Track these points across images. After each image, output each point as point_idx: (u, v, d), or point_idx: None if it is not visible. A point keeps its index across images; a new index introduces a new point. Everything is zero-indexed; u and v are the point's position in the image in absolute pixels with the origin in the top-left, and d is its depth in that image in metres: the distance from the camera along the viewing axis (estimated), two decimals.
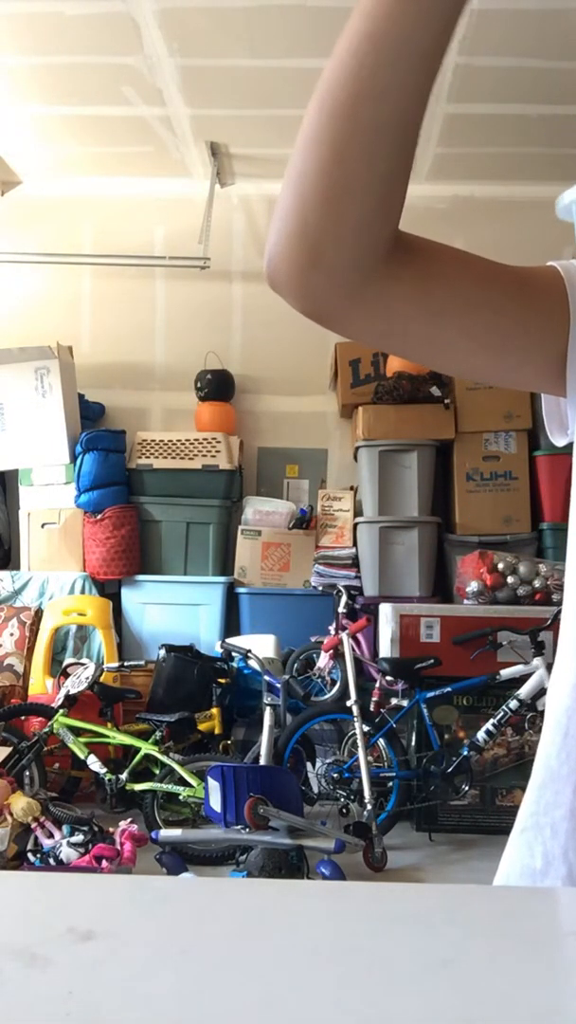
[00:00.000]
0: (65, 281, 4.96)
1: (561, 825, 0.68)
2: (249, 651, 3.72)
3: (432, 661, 3.64)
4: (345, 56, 0.59)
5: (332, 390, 4.85)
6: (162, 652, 4.13)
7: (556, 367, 0.70)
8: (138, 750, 3.63)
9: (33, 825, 3.12)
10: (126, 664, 3.98)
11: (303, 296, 0.67)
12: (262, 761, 3.43)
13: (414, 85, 0.59)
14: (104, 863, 2.95)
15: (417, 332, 0.71)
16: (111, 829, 3.13)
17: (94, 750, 3.62)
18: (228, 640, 3.99)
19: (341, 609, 4.00)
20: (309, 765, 3.78)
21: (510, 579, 4.05)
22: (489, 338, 0.70)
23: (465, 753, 3.56)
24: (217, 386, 4.73)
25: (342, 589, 4.07)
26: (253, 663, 3.72)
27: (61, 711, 3.63)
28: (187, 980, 0.40)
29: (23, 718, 3.86)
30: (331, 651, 3.95)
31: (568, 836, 0.68)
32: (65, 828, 3.16)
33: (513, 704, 3.49)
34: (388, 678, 3.78)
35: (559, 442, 0.76)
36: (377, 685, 3.85)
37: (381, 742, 3.68)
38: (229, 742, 3.97)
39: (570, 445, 0.74)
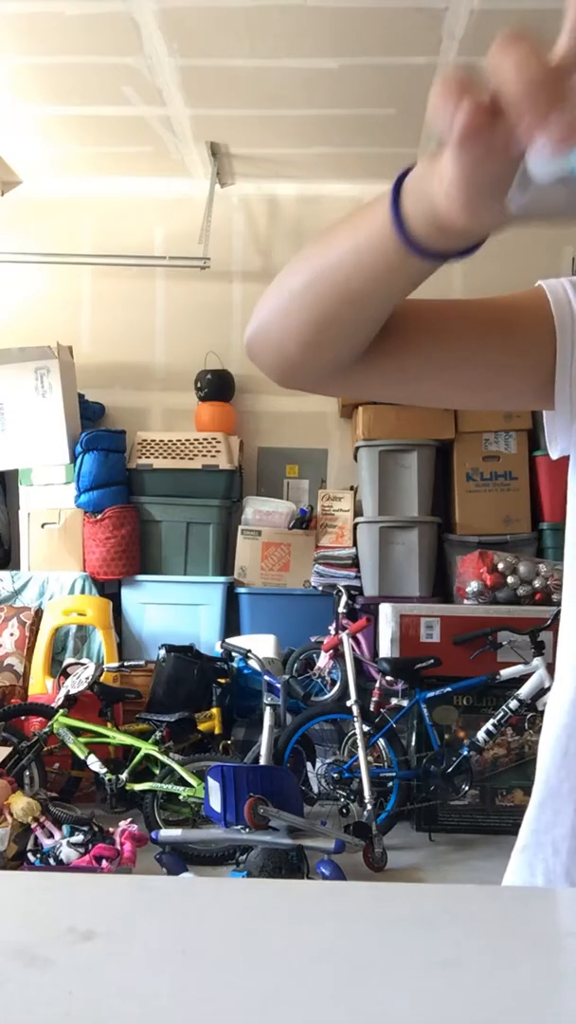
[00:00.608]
0: (65, 281, 4.96)
1: (563, 844, 0.68)
2: (249, 651, 3.72)
3: (432, 661, 3.64)
4: (332, 262, 0.62)
5: None
6: (162, 652, 4.13)
7: (543, 391, 0.71)
8: (138, 750, 3.62)
9: (33, 825, 3.12)
10: (126, 664, 3.98)
11: (276, 380, 0.71)
12: (262, 761, 3.43)
13: (399, 293, 0.62)
14: (104, 863, 2.95)
15: (398, 395, 0.76)
16: (111, 829, 3.13)
17: (94, 750, 3.62)
18: (228, 640, 3.99)
19: (341, 609, 4.00)
20: (309, 765, 3.78)
21: (510, 579, 4.05)
22: (471, 384, 0.73)
23: (465, 753, 3.56)
24: (217, 386, 4.73)
25: (342, 589, 4.07)
26: (253, 663, 3.72)
27: (61, 711, 3.63)
28: (187, 980, 0.40)
29: (23, 718, 3.86)
30: (331, 651, 3.95)
31: (570, 855, 0.67)
32: (65, 828, 3.15)
33: (513, 704, 3.49)
34: (388, 678, 3.78)
35: (554, 455, 0.76)
36: (377, 685, 3.85)
37: (381, 742, 3.68)
38: (229, 742, 3.97)
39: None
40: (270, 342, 0.68)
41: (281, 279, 0.67)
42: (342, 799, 3.61)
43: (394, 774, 3.62)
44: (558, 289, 0.71)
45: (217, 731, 3.93)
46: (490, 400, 0.77)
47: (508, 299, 0.73)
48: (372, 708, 3.75)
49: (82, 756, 3.59)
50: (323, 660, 4.02)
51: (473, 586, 4.06)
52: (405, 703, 3.74)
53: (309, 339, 0.65)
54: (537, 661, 3.51)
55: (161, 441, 4.59)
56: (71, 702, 3.67)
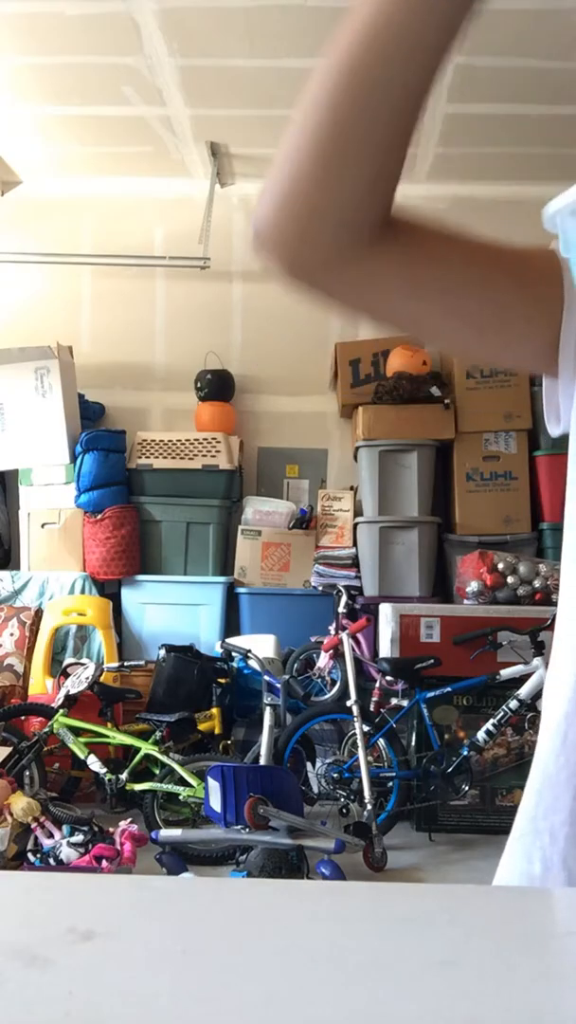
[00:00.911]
0: (65, 281, 4.96)
1: (560, 831, 0.68)
2: (249, 651, 3.72)
3: (432, 661, 3.64)
4: (351, 33, 0.59)
5: (332, 390, 4.85)
6: (162, 652, 4.13)
7: (549, 350, 0.70)
8: (138, 750, 3.63)
9: (33, 825, 3.12)
10: (126, 664, 3.98)
11: (286, 262, 0.67)
12: (262, 761, 3.43)
13: (421, 63, 0.59)
14: (104, 863, 2.95)
15: (404, 309, 0.71)
16: (111, 829, 3.13)
17: (94, 750, 3.62)
18: (228, 640, 3.99)
19: (341, 609, 4.00)
20: (309, 765, 3.78)
21: (510, 579, 4.05)
22: (478, 318, 0.70)
23: (465, 753, 3.56)
24: (217, 386, 4.73)
25: (342, 589, 4.07)
26: (253, 663, 3.72)
27: (61, 711, 3.63)
28: (187, 980, 0.40)
29: (23, 718, 3.86)
30: (331, 651, 3.95)
31: (568, 842, 0.67)
32: (65, 828, 3.15)
33: (513, 704, 3.49)
34: (388, 678, 3.78)
35: (554, 432, 0.75)
36: (377, 685, 3.85)
37: (381, 742, 3.68)
38: (229, 742, 3.97)
39: (567, 440, 0.73)
40: (280, 189, 0.65)
41: (288, 133, 0.64)
42: (342, 799, 3.61)
43: (394, 774, 3.62)
44: None
45: (217, 731, 3.93)
46: (492, 347, 0.73)
47: (520, 248, 0.71)
48: (372, 708, 3.75)
49: (82, 756, 3.59)
50: (323, 660, 4.02)
51: (473, 586, 4.06)
52: (405, 703, 3.74)
53: (325, 151, 0.61)
54: (537, 661, 3.51)
55: (161, 441, 4.59)
56: (71, 702, 3.67)
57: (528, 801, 0.72)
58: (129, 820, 3.15)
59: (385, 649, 3.91)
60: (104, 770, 3.56)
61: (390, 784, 3.63)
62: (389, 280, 0.68)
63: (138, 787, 3.53)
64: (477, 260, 0.70)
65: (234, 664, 4.13)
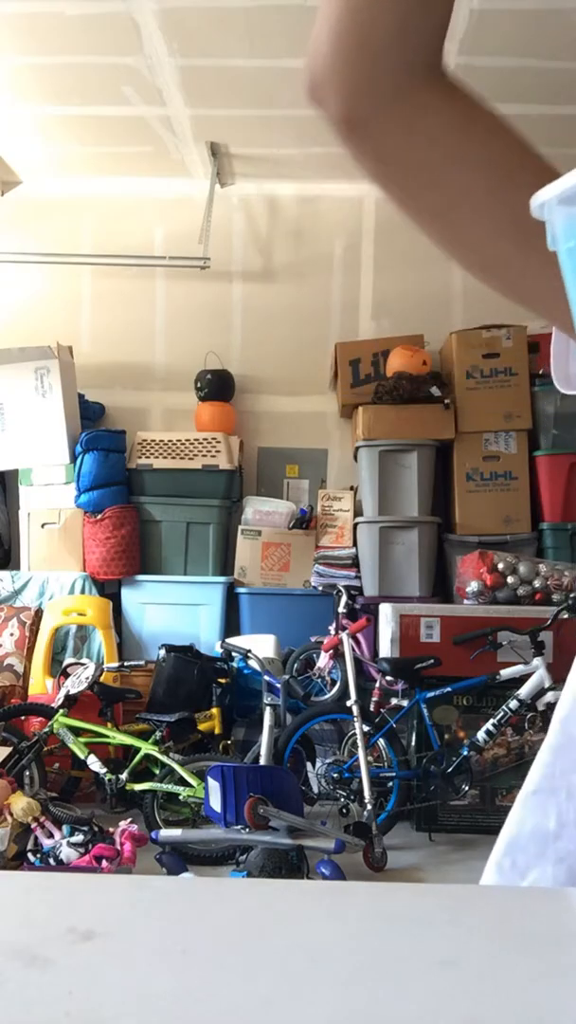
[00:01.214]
0: (65, 281, 4.96)
1: None
2: (249, 651, 3.72)
3: (432, 661, 3.64)
4: None
5: (332, 390, 4.85)
6: (162, 652, 4.13)
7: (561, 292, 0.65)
8: (138, 750, 3.63)
9: (33, 825, 3.12)
10: (126, 664, 3.98)
11: (343, 100, 0.65)
12: (262, 761, 3.43)
13: None
14: (104, 863, 2.95)
15: (435, 181, 0.66)
16: (111, 829, 3.13)
17: (94, 750, 3.62)
18: (228, 640, 3.99)
19: (341, 609, 4.00)
20: (309, 765, 3.78)
21: (510, 579, 4.05)
22: (511, 221, 0.65)
23: (465, 753, 3.56)
24: (217, 386, 4.74)
25: (342, 589, 4.07)
26: (253, 663, 3.72)
27: (61, 711, 3.63)
28: (187, 980, 0.40)
29: (23, 718, 3.86)
30: (331, 651, 3.95)
31: None
32: (65, 828, 3.15)
33: (513, 704, 3.49)
34: (388, 678, 3.78)
35: (564, 389, 0.73)
36: (377, 685, 3.85)
37: (381, 742, 3.68)
38: (229, 742, 3.97)
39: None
40: (336, 31, 0.65)
41: None
42: (342, 799, 3.61)
43: (394, 774, 3.62)
44: None
45: (217, 731, 3.93)
46: (519, 273, 0.67)
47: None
48: (372, 708, 3.75)
49: (82, 756, 3.59)
50: (323, 660, 4.02)
51: (473, 586, 4.06)
52: (405, 703, 3.74)
53: None
54: (537, 661, 3.51)
55: (161, 441, 4.59)
56: (71, 702, 3.67)
57: (544, 757, 0.72)
58: (129, 820, 3.15)
59: (385, 649, 3.91)
60: (104, 770, 3.56)
61: (390, 784, 3.63)
62: (441, 129, 0.65)
63: (138, 787, 3.53)
64: (525, 160, 0.65)
65: (234, 664, 4.13)
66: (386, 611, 3.95)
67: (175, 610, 4.46)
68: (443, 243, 0.70)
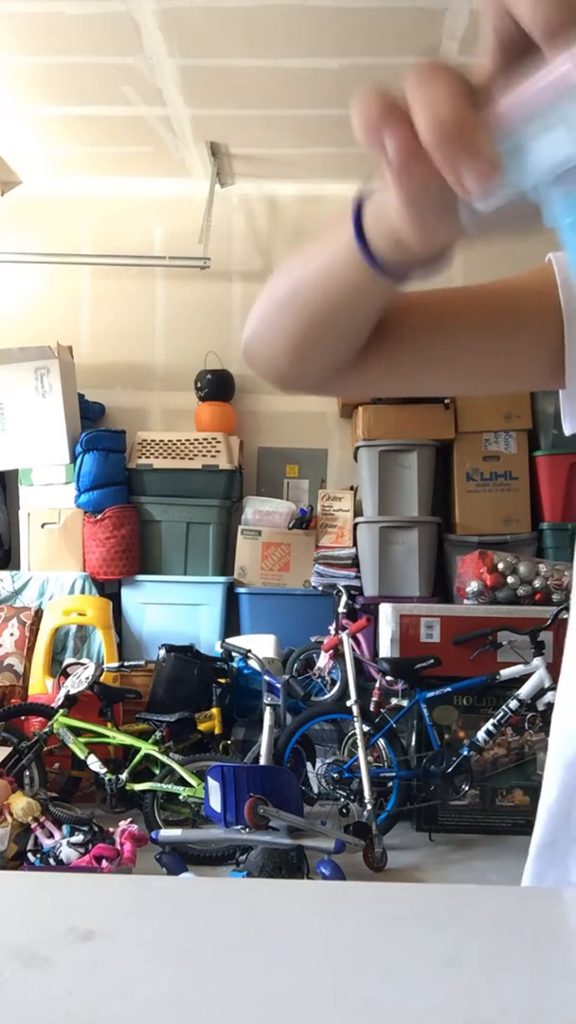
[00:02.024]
0: (65, 281, 4.96)
1: None
2: (249, 651, 3.72)
3: (432, 661, 3.64)
4: (307, 277, 0.63)
5: None
6: (162, 652, 4.13)
7: (552, 371, 0.70)
8: (138, 750, 3.63)
9: (33, 825, 3.12)
10: (126, 664, 3.98)
11: (278, 387, 0.74)
12: (262, 761, 3.43)
13: (373, 308, 0.63)
14: (104, 863, 2.95)
15: (398, 389, 0.76)
16: (111, 829, 3.13)
17: (94, 750, 3.62)
18: (228, 640, 3.99)
19: (341, 609, 4.00)
20: (309, 765, 3.78)
21: (510, 579, 4.05)
22: (475, 372, 0.73)
23: (465, 753, 3.56)
24: (217, 386, 4.73)
25: (342, 589, 4.07)
26: (253, 663, 3.72)
27: (61, 711, 3.63)
28: (187, 980, 0.40)
29: (23, 718, 3.86)
30: (331, 651, 3.95)
31: None
32: (65, 828, 3.15)
33: (513, 704, 3.49)
34: (388, 678, 3.78)
35: (568, 430, 0.75)
36: (377, 685, 3.85)
37: (381, 742, 3.68)
38: (229, 742, 3.97)
39: (569, 440, 0.74)
40: (262, 350, 0.69)
41: (267, 290, 0.68)
42: (342, 799, 3.61)
43: (394, 774, 3.62)
44: (564, 261, 0.70)
45: (217, 731, 3.93)
46: (495, 386, 0.77)
47: (513, 281, 0.72)
48: (372, 708, 3.75)
49: (82, 756, 3.59)
50: (323, 660, 4.02)
51: (473, 586, 4.06)
52: (405, 703, 3.74)
53: (295, 348, 0.66)
54: (537, 661, 3.51)
55: (161, 441, 4.59)
56: (71, 702, 3.67)
57: (558, 804, 0.71)
58: (129, 820, 3.15)
59: (385, 649, 3.91)
60: (104, 770, 3.56)
61: (390, 784, 3.63)
62: (379, 378, 0.72)
63: (138, 787, 3.53)
64: (472, 320, 0.71)
65: (234, 664, 4.13)
66: (386, 611, 3.95)
67: (175, 610, 4.46)
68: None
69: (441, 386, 0.77)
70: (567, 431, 0.75)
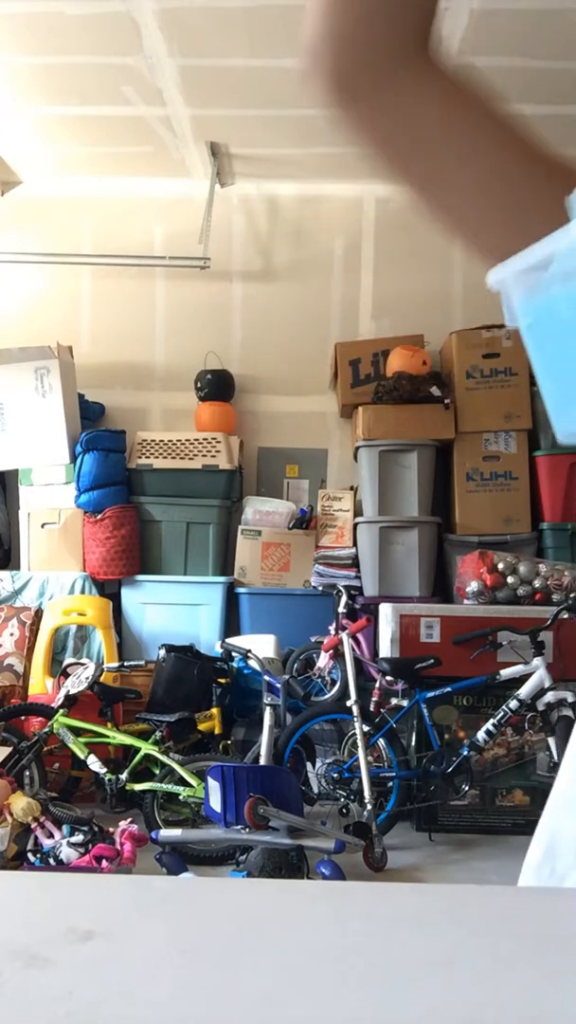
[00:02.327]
0: (65, 281, 4.96)
1: None
2: (249, 651, 3.72)
3: (432, 661, 3.64)
4: None
5: (332, 390, 4.85)
6: (162, 652, 4.13)
7: None
8: (138, 750, 3.63)
9: (33, 825, 3.12)
10: (126, 664, 3.98)
11: (336, 72, 0.66)
12: (262, 761, 3.43)
13: None
14: (104, 863, 2.95)
15: (428, 154, 0.67)
16: (111, 829, 3.13)
17: (94, 750, 3.62)
18: (228, 640, 3.99)
19: (341, 609, 4.00)
20: (309, 765, 3.78)
21: (510, 579, 4.05)
22: (501, 201, 0.64)
23: (465, 753, 3.56)
24: (217, 386, 4.73)
25: (342, 589, 4.07)
26: (253, 663, 3.72)
27: (61, 711, 3.63)
28: (187, 980, 0.40)
29: (23, 718, 3.86)
30: (331, 651, 3.95)
31: None
32: (65, 828, 3.15)
33: (513, 704, 3.49)
34: (388, 678, 3.78)
35: (561, 438, 0.72)
36: (377, 685, 3.85)
37: (381, 742, 3.68)
38: (229, 742, 3.97)
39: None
40: (326, 23, 0.65)
41: None
42: (342, 799, 3.61)
43: (394, 774, 3.62)
44: None
45: (217, 731, 3.93)
46: (509, 241, 0.64)
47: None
48: (372, 708, 3.75)
49: (82, 756, 3.59)
50: (323, 660, 4.02)
51: (473, 586, 4.06)
52: (405, 703, 3.74)
53: None
54: (537, 661, 3.51)
55: (161, 441, 4.59)
56: (71, 702, 3.67)
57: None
58: (129, 820, 3.15)
59: (385, 649, 3.91)
60: (104, 770, 3.56)
61: (390, 784, 3.63)
62: (427, 105, 0.66)
63: (138, 787, 3.53)
64: (515, 139, 0.65)
65: (234, 664, 4.13)
66: (386, 611, 3.95)
67: (175, 610, 4.46)
68: (430, 204, 0.70)
69: (468, 185, 0.67)
70: (560, 439, 0.71)
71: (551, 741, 3.45)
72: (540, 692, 3.47)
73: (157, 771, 3.59)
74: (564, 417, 0.63)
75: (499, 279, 0.56)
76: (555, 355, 0.61)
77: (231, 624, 4.46)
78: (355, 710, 3.48)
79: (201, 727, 3.90)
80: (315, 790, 3.74)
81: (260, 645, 3.87)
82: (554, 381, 0.63)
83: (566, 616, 3.62)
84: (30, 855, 3.08)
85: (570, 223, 0.55)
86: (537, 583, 4.05)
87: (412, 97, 0.66)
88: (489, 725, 3.53)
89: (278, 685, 3.60)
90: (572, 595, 3.93)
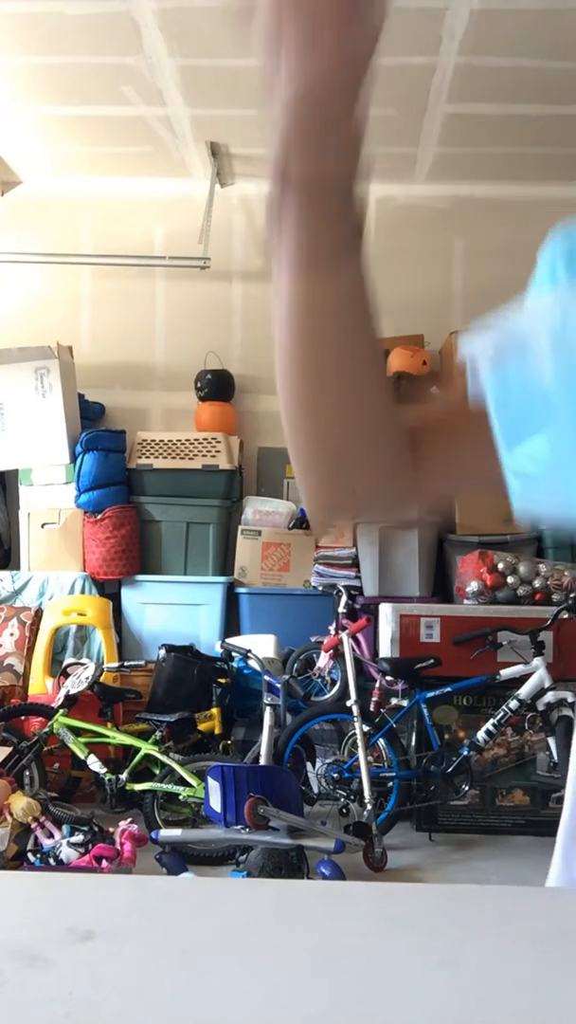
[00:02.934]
0: (65, 281, 4.96)
1: None
2: (249, 651, 3.72)
3: (432, 661, 3.64)
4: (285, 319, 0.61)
5: None
6: (162, 652, 4.13)
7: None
8: (138, 750, 3.63)
9: (33, 825, 3.12)
10: (126, 664, 3.98)
11: (357, 518, 0.73)
12: (262, 761, 3.43)
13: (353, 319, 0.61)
14: (104, 863, 2.95)
15: (474, 480, 0.72)
16: (111, 829, 3.13)
17: (94, 750, 3.62)
18: (228, 640, 3.99)
19: (341, 609, 4.00)
20: (309, 765, 3.78)
21: (510, 579, 4.05)
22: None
23: (465, 753, 3.56)
24: (217, 386, 4.73)
25: (342, 589, 4.07)
26: (253, 663, 3.72)
27: (61, 711, 3.63)
28: (187, 980, 0.41)
29: (23, 718, 3.86)
30: (331, 651, 3.95)
31: None
32: (65, 828, 3.15)
33: (513, 704, 3.49)
34: (388, 678, 3.78)
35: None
36: (377, 685, 3.85)
37: (381, 742, 3.68)
38: (229, 742, 3.97)
39: None
40: (315, 475, 0.66)
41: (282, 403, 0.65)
42: (342, 799, 3.61)
43: (394, 774, 3.62)
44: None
45: (217, 731, 3.93)
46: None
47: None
48: (372, 708, 3.75)
49: (82, 756, 3.59)
50: (323, 660, 4.02)
51: (473, 586, 4.06)
52: (405, 703, 3.74)
53: (314, 419, 0.63)
54: (537, 661, 3.51)
55: (161, 441, 4.59)
56: (71, 702, 3.67)
57: None
58: (129, 820, 3.15)
59: (385, 649, 3.91)
60: (104, 770, 3.56)
61: (390, 784, 3.63)
62: (445, 470, 0.69)
63: (138, 787, 3.53)
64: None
65: (234, 664, 4.13)
66: (386, 611, 3.95)
67: (175, 610, 4.46)
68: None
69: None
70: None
71: (551, 741, 3.45)
72: (540, 692, 3.47)
73: (157, 771, 3.59)
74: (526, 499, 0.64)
75: (470, 355, 0.59)
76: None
77: (231, 624, 4.46)
78: (355, 710, 3.48)
79: (201, 727, 3.90)
80: (315, 790, 3.74)
81: (260, 645, 3.87)
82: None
83: (566, 616, 3.62)
84: (30, 855, 3.08)
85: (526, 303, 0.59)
86: (537, 583, 4.05)
87: (431, 478, 0.69)
88: (489, 725, 3.53)
89: (278, 685, 3.60)
90: (572, 595, 3.93)
